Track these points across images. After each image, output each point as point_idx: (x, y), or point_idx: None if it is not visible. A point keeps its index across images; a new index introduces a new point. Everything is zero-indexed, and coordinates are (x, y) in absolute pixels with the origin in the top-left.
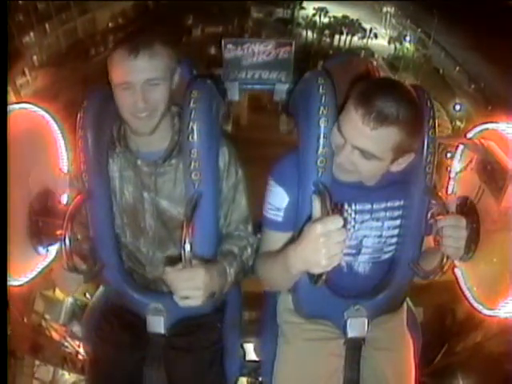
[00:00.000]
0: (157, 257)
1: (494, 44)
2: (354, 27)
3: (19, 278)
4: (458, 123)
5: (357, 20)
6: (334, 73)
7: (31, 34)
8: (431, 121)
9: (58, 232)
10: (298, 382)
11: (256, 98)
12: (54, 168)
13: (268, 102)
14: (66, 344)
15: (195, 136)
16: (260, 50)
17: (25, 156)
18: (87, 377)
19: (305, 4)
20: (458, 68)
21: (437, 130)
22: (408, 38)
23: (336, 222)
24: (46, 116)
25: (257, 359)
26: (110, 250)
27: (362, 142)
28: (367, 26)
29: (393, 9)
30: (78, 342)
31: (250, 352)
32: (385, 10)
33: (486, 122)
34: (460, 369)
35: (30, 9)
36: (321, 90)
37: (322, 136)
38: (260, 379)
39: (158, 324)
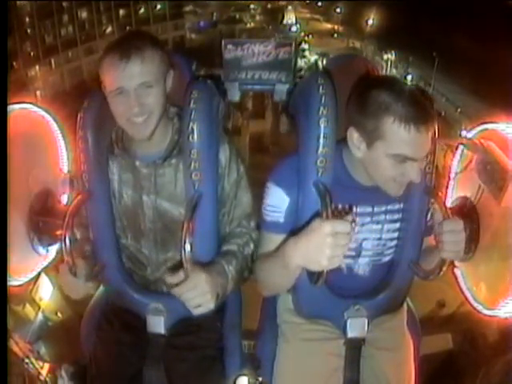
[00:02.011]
0: (158, 258)
1: (493, 85)
2: None
3: (19, 277)
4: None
5: None
6: (334, 73)
7: (37, 67)
8: None
9: (58, 232)
10: (298, 382)
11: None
12: (54, 168)
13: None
14: (29, 362)
15: (195, 136)
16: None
17: (25, 156)
18: (87, 377)
19: (306, 52)
20: (459, 110)
21: (437, 131)
22: (410, 77)
23: (345, 225)
24: (46, 116)
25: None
26: (110, 250)
27: (427, 149)
28: None
29: (393, 56)
30: (41, 364)
31: None
32: (385, 57)
33: (486, 122)
34: None
35: (38, 42)
36: (321, 90)
37: (321, 136)
38: (260, 379)
39: (158, 324)
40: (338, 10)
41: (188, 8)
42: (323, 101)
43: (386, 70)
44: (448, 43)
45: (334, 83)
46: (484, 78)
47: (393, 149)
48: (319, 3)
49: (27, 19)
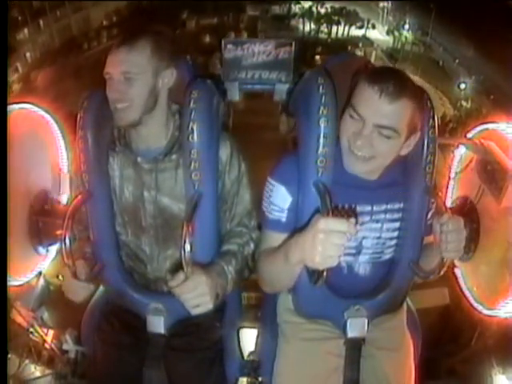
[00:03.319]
0: (159, 255)
1: (493, 41)
2: (351, 17)
3: (19, 277)
4: (464, 103)
5: (354, 10)
6: (334, 73)
7: (25, 30)
8: (431, 121)
9: (58, 232)
10: (298, 382)
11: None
12: (54, 168)
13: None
14: (33, 331)
15: (195, 136)
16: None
17: (25, 156)
18: (88, 377)
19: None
20: (457, 61)
21: (437, 131)
22: (407, 27)
23: (340, 224)
24: (46, 116)
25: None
26: (110, 250)
27: (382, 118)
28: (365, 17)
29: (390, 4)
30: (45, 330)
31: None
32: (381, 5)
33: (486, 122)
34: (494, 353)
35: (24, 5)
36: (321, 89)
37: (321, 136)
38: (260, 379)
39: (158, 324)
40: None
41: None
42: (323, 100)
43: (382, 18)
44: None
45: (334, 83)
46: (482, 29)
47: (352, 101)
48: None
49: None
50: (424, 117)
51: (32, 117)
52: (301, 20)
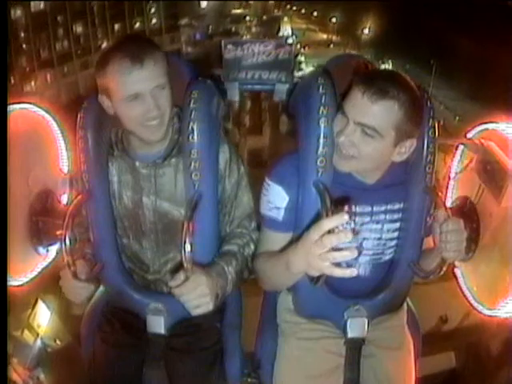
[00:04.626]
0: (160, 259)
1: (495, 99)
2: None
3: (19, 277)
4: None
5: None
6: (334, 73)
7: (32, 83)
8: (431, 121)
9: (58, 232)
10: (298, 382)
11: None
12: (54, 168)
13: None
14: None
15: (195, 136)
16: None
17: (25, 156)
18: (88, 378)
19: (303, 65)
20: (457, 118)
21: (437, 130)
22: None
23: (333, 221)
24: (46, 116)
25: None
26: (110, 250)
27: (363, 116)
28: None
29: (390, 65)
30: None
31: None
32: (382, 66)
33: (486, 122)
34: None
35: (33, 56)
36: (321, 89)
37: (322, 136)
38: (260, 379)
39: (158, 324)
40: (334, 19)
41: (184, 21)
42: (323, 100)
43: None
44: (446, 50)
45: (334, 83)
46: (483, 84)
47: (344, 101)
48: (315, 13)
49: (22, 33)
50: (423, 121)
51: (32, 117)
52: None
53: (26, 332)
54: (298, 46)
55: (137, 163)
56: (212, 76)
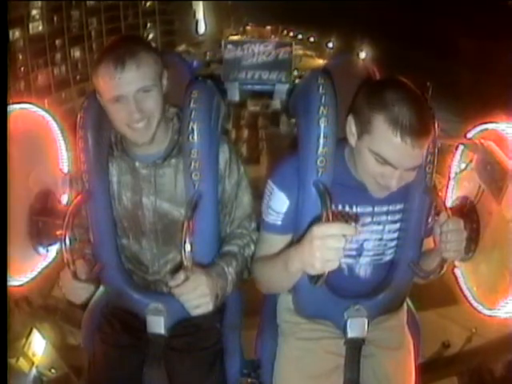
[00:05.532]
0: (160, 260)
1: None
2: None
3: (19, 277)
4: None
5: None
6: (334, 73)
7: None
8: None
9: (58, 232)
10: (298, 382)
11: None
12: (54, 168)
13: None
14: None
15: (195, 136)
16: (260, 51)
17: (25, 156)
18: (88, 378)
19: None
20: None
21: (437, 131)
22: None
23: (335, 228)
24: (46, 116)
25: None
26: (110, 251)
27: (412, 163)
28: None
29: None
30: None
31: None
32: None
33: (486, 122)
34: None
35: (31, 80)
36: (321, 89)
37: (322, 136)
38: (260, 379)
39: (157, 324)
40: (330, 44)
41: (181, 48)
42: (323, 100)
43: None
44: (442, 73)
45: (334, 83)
46: (480, 105)
47: (375, 146)
48: (311, 39)
49: (20, 56)
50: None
51: (32, 117)
52: None
53: (22, 360)
54: (296, 72)
55: (137, 163)
56: (212, 76)
